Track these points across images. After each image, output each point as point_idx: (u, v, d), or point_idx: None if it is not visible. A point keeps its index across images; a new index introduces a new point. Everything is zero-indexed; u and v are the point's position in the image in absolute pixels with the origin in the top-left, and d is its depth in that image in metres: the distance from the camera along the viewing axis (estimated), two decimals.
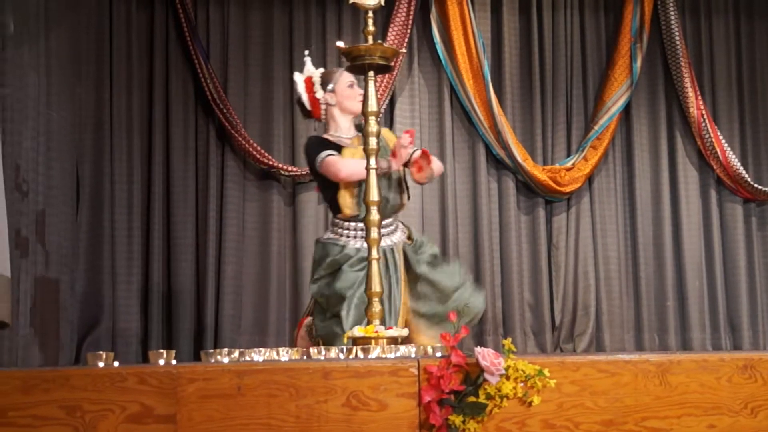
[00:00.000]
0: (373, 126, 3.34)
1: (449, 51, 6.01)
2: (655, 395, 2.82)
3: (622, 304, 6.17)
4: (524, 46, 6.23)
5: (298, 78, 4.35)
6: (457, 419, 2.69)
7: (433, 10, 6.03)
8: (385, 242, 4.04)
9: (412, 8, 5.91)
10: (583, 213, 6.22)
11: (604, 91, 6.21)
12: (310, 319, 4.24)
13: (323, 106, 4.26)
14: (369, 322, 3.25)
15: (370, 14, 3.39)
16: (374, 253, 3.28)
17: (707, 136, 6.19)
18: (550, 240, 6.18)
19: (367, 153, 3.33)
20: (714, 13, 6.43)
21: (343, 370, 2.58)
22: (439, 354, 2.90)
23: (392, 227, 4.16)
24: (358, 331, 3.13)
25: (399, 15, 5.88)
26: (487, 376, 2.73)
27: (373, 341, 3.09)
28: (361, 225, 4.02)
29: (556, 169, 6.09)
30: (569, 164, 6.13)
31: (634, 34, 6.18)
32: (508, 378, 2.77)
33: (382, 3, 3.43)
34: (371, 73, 3.38)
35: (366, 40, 3.37)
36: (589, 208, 6.25)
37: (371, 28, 3.38)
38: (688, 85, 6.19)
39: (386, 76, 5.65)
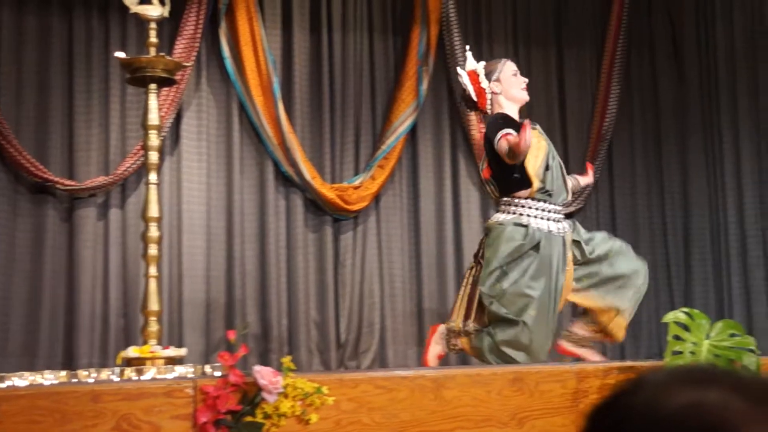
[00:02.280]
0: (153, 140, 3.27)
1: (238, 66, 5.96)
2: (430, 410, 2.87)
3: (405, 321, 6.28)
4: (314, 65, 6.27)
5: (462, 72, 4.32)
6: None
7: (223, 24, 5.96)
8: (557, 227, 4.13)
9: (200, 22, 5.82)
10: (370, 231, 6.30)
11: (392, 112, 6.32)
12: (444, 326, 4.24)
13: (489, 96, 4.24)
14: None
15: (153, 25, 3.33)
16: (152, 271, 3.20)
17: None
18: (337, 258, 6.22)
19: (146, 167, 3.25)
20: (495, 40, 6.68)
21: (114, 392, 2.49)
22: (217, 373, 2.86)
23: (561, 215, 4.22)
24: (133, 352, 3.03)
25: (187, 28, 5.79)
26: (265, 395, 2.71)
27: (148, 362, 3.01)
28: (543, 204, 4.12)
29: (343, 187, 6.14)
30: (357, 183, 6.20)
31: (421, 57, 6.33)
32: (286, 396, 2.76)
33: (166, 15, 3.37)
34: (153, 86, 3.30)
35: (148, 52, 3.29)
36: (376, 226, 6.33)
37: (154, 39, 3.31)
38: None
39: (172, 89, 5.53)
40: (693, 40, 6.89)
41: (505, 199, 4.21)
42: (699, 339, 3.04)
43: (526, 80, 4.39)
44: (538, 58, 6.76)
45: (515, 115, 4.30)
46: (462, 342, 4.22)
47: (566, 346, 4.33)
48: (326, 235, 6.18)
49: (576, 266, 4.21)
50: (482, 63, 4.37)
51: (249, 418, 2.69)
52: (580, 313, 4.41)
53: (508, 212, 4.17)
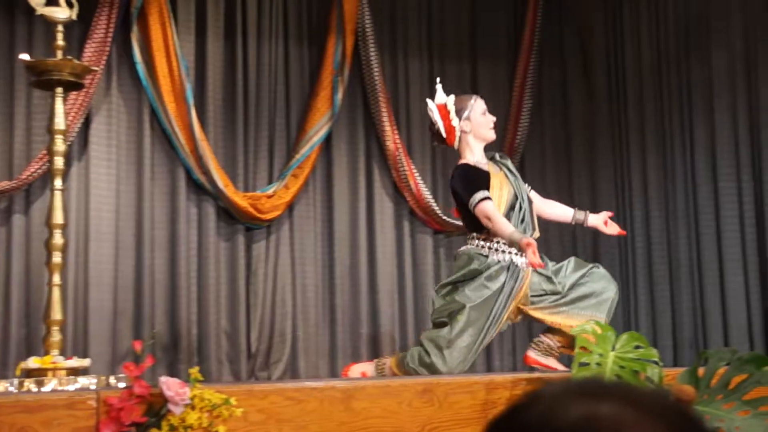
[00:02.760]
0: (59, 145, 3.19)
1: (151, 72, 5.87)
2: (339, 421, 2.86)
3: (318, 331, 6.26)
4: (228, 72, 6.21)
5: (432, 106, 4.36)
6: None
7: (135, 29, 5.86)
8: (521, 261, 4.28)
9: (111, 25, 5.71)
10: (283, 241, 6.26)
11: (306, 121, 6.30)
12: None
13: (458, 134, 4.34)
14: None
15: (60, 28, 3.26)
16: (56, 279, 3.12)
17: (402, 169, 6.43)
18: (249, 267, 6.16)
19: (51, 172, 3.17)
20: (410, 53, 6.72)
21: (11, 404, 2.42)
22: (123, 384, 2.79)
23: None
24: (34, 362, 2.95)
25: (97, 32, 5.67)
26: (171, 406, 2.66)
27: (49, 373, 2.93)
28: (501, 240, 4.27)
29: (257, 196, 6.09)
30: (270, 192, 6.16)
31: (336, 67, 6.33)
32: (193, 408, 2.71)
33: (74, 17, 3.30)
34: (60, 90, 3.23)
35: (55, 55, 3.22)
36: (289, 236, 6.30)
37: (61, 42, 3.24)
38: (385, 119, 6.42)
39: (81, 93, 5.41)
40: (603, 56, 7.02)
41: (473, 234, 4.41)
42: (605, 351, 3.08)
43: (494, 119, 4.52)
44: (452, 71, 6.81)
45: (481, 153, 4.45)
46: (390, 361, 4.32)
47: (533, 356, 4.43)
48: (238, 244, 6.12)
49: (544, 296, 4.35)
50: (452, 97, 4.47)
51: (154, 431, 2.64)
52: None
53: (473, 245, 4.39)
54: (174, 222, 5.93)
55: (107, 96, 5.83)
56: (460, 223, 6.54)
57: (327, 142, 6.40)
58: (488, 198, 4.26)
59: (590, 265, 4.46)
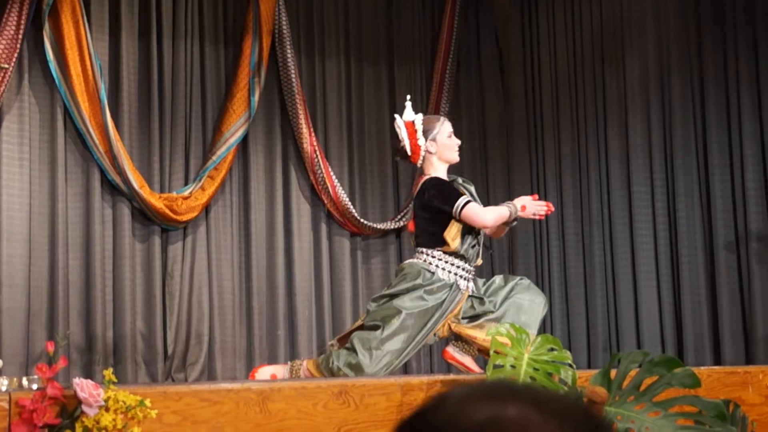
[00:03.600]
0: None
1: (63, 71, 5.77)
2: (255, 423, 2.86)
3: (235, 333, 6.23)
4: (143, 72, 6.14)
5: (400, 122, 4.36)
6: None
7: (47, 26, 5.75)
8: (464, 285, 4.35)
9: (22, 23, 5.59)
10: (199, 242, 6.22)
11: (223, 122, 6.26)
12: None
13: (423, 154, 4.36)
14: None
15: None
16: None
17: (319, 171, 6.44)
18: (165, 269, 6.10)
19: None
20: (327, 54, 6.73)
21: None
22: (35, 386, 2.75)
23: (472, 275, 4.44)
24: None
25: (8, 29, 5.55)
26: (85, 408, 2.63)
27: None
28: (454, 260, 4.35)
29: (173, 197, 6.04)
30: (186, 193, 6.11)
31: (253, 68, 6.30)
32: (107, 409, 2.69)
33: None
34: None
35: None
36: (206, 237, 6.25)
37: None
38: (302, 121, 6.41)
39: None
40: (519, 64, 7.14)
41: (421, 249, 4.44)
42: (519, 353, 3.13)
43: (459, 142, 4.56)
44: (369, 75, 6.85)
45: (444, 175, 4.50)
46: (307, 363, 4.32)
47: (451, 351, 4.48)
48: (154, 246, 6.06)
49: (477, 316, 4.41)
50: (420, 116, 4.49)
51: None
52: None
53: (421, 259, 4.42)
54: (88, 223, 5.83)
55: (19, 94, 5.71)
56: (376, 225, 6.60)
57: (243, 144, 6.37)
58: (470, 201, 4.35)
59: (517, 279, 4.53)
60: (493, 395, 0.85)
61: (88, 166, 5.88)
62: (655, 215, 6.38)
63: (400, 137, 4.48)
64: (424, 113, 6.89)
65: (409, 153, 4.45)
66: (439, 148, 4.44)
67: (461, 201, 4.32)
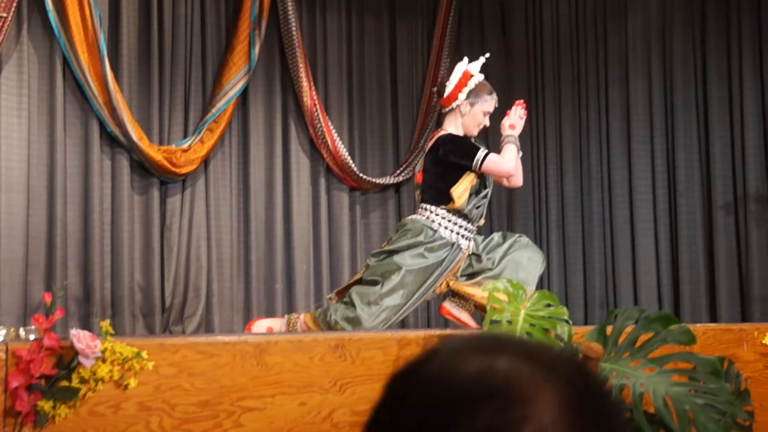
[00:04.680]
0: None
1: (63, 20, 5.72)
2: (251, 375, 2.87)
3: (233, 286, 6.25)
4: (143, 23, 6.09)
5: (463, 66, 4.35)
6: (46, 405, 2.58)
7: None
8: (465, 244, 4.36)
9: None
10: (198, 195, 6.21)
11: (223, 75, 6.23)
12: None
13: (454, 105, 4.35)
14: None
15: None
16: None
17: (319, 125, 6.42)
18: (164, 221, 6.11)
19: None
20: (329, 8, 6.69)
21: None
22: (32, 336, 2.76)
23: (473, 234, 4.43)
24: None
25: None
26: (81, 359, 2.65)
27: None
28: (458, 219, 4.34)
29: (172, 150, 6.02)
30: (185, 146, 6.09)
31: (253, 20, 6.26)
32: (104, 361, 2.70)
33: None
34: None
35: None
36: (204, 190, 6.25)
37: None
38: (302, 75, 6.38)
39: None
40: (521, 18, 7.08)
41: (425, 205, 4.43)
42: (516, 309, 3.14)
43: (488, 124, 4.53)
44: (371, 28, 6.80)
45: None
46: (305, 317, 4.33)
47: (448, 306, 4.51)
48: (153, 198, 6.05)
49: (475, 273, 4.43)
50: (481, 77, 4.45)
51: (64, 383, 2.62)
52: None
53: (423, 216, 4.41)
54: (87, 174, 5.83)
55: (18, 44, 5.67)
56: (375, 180, 6.59)
57: (243, 97, 6.35)
58: (489, 152, 4.35)
59: (515, 236, 4.54)
60: (484, 348, 0.85)
61: (87, 118, 5.86)
62: (654, 172, 6.37)
63: (451, 78, 4.47)
64: (425, 68, 6.91)
65: (444, 95, 4.44)
66: (469, 114, 4.43)
67: (481, 153, 4.32)
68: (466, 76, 4.44)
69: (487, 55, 4.63)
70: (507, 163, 4.36)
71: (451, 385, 0.82)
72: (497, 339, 0.88)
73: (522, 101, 4.59)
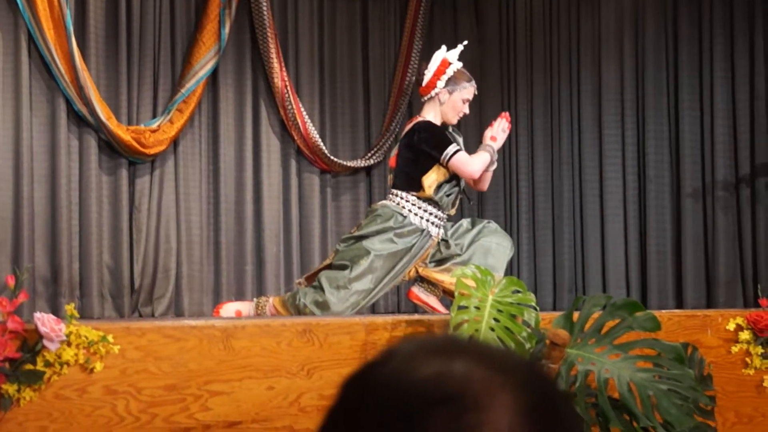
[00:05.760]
0: None
1: None
2: (219, 359, 2.86)
3: (202, 268, 6.22)
4: (111, 0, 6.02)
5: (441, 54, 4.35)
6: (11, 388, 2.56)
7: None
8: (435, 231, 4.38)
9: None
10: (167, 176, 6.16)
11: (192, 55, 6.17)
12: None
13: (432, 94, 4.34)
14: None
15: None
16: None
17: (290, 107, 6.39)
18: (133, 202, 6.06)
19: None
20: None
21: None
22: None
23: (443, 222, 4.45)
24: None
25: None
26: (46, 342, 2.63)
27: None
28: (428, 207, 4.37)
29: (140, 130, 5.97)
30: (155, 126, 6.04)
31: (224, 0, 6.20)
32: (69, 344, 2.68)
33: None
34: None
35: None
36: (173, 171, 6.20)
37: None
38: (273, 55, 6.34)
39: None
40: (494, 3, 7.07)
41: (396, 191, 4.45)
42: (484, 295, 3.14)
43: (467, 112, 4.55)
44: (343, 9, 6.77)
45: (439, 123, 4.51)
46: (274, 300, 4.32)
47: (416, 291, 4.53)
48: (121, 179, 6.00)
49: (444, 260, 4.46)
50: (459, 64, 4.46)
51: (29, 366, 2.60)
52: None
53: (394, 201, 4.43)
54: (54, 154, 5.75)
55: None
56: (346, 163, 6.58)
57: (213, 77, 6.30)
58: (460, 150, 4.37)
59: (484, 222, 4.55)
60: (440, 351, 0.85)
61: (53, 96, 5.78)
62: (625, 158, 6.40)
63: (429, 65, 4.47)
64: (397, 52, 6.89)
65: (423, 84, 4.45)
66: (448, 101, 4.44)
67: (451, 149, 4.34)
68: (445, 64, 4.45)
69: (465, 42, 4.65)
70: (473, 165, 4.39)
71: (405, 389, 0.82)
72: (454, 342, 0.88)
73: (506, 113, 4.61)
